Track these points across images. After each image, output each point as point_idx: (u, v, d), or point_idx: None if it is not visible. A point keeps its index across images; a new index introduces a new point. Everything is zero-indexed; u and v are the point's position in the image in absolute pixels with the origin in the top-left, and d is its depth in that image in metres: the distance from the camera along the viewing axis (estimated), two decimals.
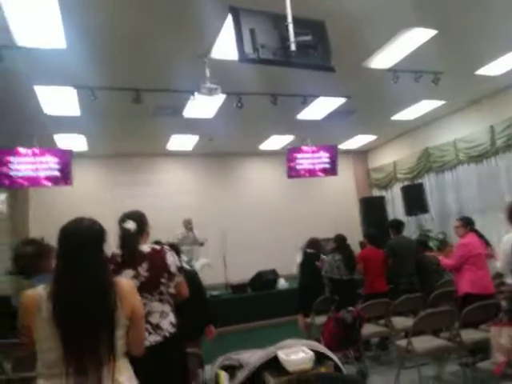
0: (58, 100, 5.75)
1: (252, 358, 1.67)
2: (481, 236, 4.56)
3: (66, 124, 6.69)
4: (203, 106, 6.30)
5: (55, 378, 1.54)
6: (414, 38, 4.79)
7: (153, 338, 2.31)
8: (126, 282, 1.82)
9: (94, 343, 1.57)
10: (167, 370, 2.32)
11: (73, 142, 7.64)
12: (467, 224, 4.44)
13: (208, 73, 4.85)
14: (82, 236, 1.67)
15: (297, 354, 1.51)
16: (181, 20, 4.16)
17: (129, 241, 2.39)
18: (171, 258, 2.48)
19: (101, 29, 4.21)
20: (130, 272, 2.34)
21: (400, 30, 4.62)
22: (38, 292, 1.60)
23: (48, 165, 6.31)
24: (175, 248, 3.50)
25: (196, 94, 5.44)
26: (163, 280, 2.40)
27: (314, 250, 5.21)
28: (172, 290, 2.45)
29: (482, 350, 3.61)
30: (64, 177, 6.43)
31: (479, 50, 5.44)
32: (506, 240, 3.45)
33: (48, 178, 6.34)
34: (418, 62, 5.44)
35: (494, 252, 4.17)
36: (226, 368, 1.84)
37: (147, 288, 2.34)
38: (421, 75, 5.74)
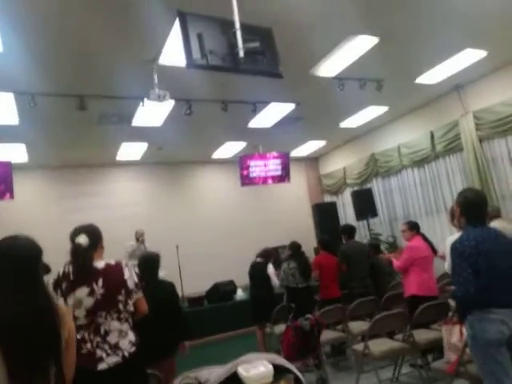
0: None
1: (212, 375, 1.59)
2: (426, 239, 4.73)
3: (3, 133, 6.24)
4: (152, 113, 6.13)
5: None
6: (358, 46, 4.92)
7: (111, 360, 2.18)
8: (62, 304, 1.79)
9: (42, 367, 1.49)
10: None
11: (12, 152, 7.13)
12: (413, 228, 4.61)
13: (156, 79, 4.72)
14: (16, 256, 1.56)
15: (257, 369, 1.45)
16: (128, 24, 4.01)
17: (81, 256, 2.26)
18: (128, 274, 2.36)
19: (41, 31, 3.94)
20: (84, 289, 2.21)
21: (344, 37, 4.73)
22: None
23: None
24: (155, 259, 3.36)
25: (145, 100, 5.29)
26: (120, 297, 2.28)
27: (263, 259, 5.22)
28: (131, 308, 2.33)
29: (435, 349, 3.71)
30: (5, 190, 5.99)
31: (418, 59, 5.69)
32: (450, 241, 3.59)
33: None
34: (363, 70, 5.61)
35: (443, 253, 4.33)
36: None
37: (104, 306, 2.23)
38: (365, 82, 5.93)
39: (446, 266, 3.68)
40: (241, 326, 6.17)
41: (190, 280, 7.75)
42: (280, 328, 4.46)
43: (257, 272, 5.24)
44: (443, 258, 4.38)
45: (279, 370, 1.52)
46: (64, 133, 6.80)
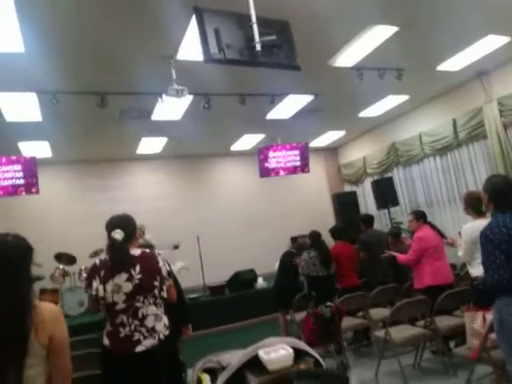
0: (18, 106, 5.53)
1: (233, 358, 1.66)
2: (434, 227, 4.64)
3: (28, 131, 6.44)
4: (171, 107, 6.22)
5: None
6: (376, 36, 4.87)
7: (149, 342, 2.31)
8: (48, 307, 1.65)
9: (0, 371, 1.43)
10: (165, 372, 2.34)
11: (37, 148, 7.36)
12: (419, 217, 4.56)
13: (174, 74, 4.79)
14: (4, 253, 1.56)
15: (277, 352, 1.50)
16: (145, 21, 4.08)
17: (118, 249, 2.37)
18: (162, 262, 2.49)
19: (61, 31, 4.06)
20: (122, 275, 2.33)
21: (362, 28, 4.69)
22: None
23: (13, 174, 6.11)
24: None
25: (164, 95, 5.38)
26: (156, 283, 2.40)
27: (292, 248, 5.28)
28: (164, 294, 2.46)
29: (457, 335, 3.71)
30: (30, 185, 6.22)
31: (439, 47, 5.59)
32: (465, 229, 3.57)
33: (14, 187, 6.13)
34: (381, 59, 5.55)
35: (454, 241, 4.27)
36: (207, 371, 1.81)
37: (141, 291, 2.35)
38: (384, 72, 5.86)
39: (461, 253, 3.64)
40: (262, 313, 6.26)
41: (211, 270, 7.88)
42: (300, 316, 4.52)
43: (285, 260, 5.32)
44: (451, 244, 4.32)
45: (299, 354, 1.58)
46: (85, 129, 6.98)
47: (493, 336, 2.62)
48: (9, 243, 1.59)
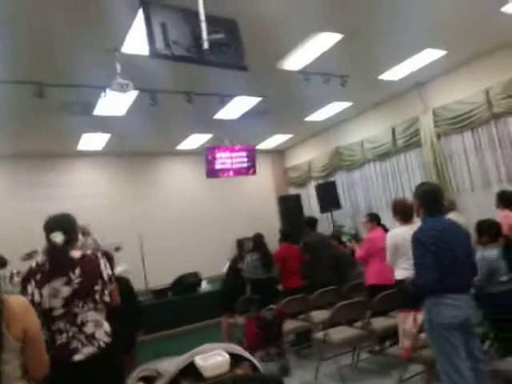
0: None
1: (170, 365, 1.60)
2: (387, 230, 4.87)
3: None
4: (115, 102, 5.98)
5: None
6: (322, 42, 5.00)
7: (87, 350, 2.19)
8: (16, 300, 1.66)
9: None
10: (106, 381, 2.22)
11: None
12: (373, 219, 4.79)
13: (119, 68, 4.60)
14: None
15: (213, 359, 1.47)
16: (89, 10, 3.88)
17: (58, 253, 2.24)
18: (103, 265, 2.38)
19: None
20: (60, 279, 2.20)
21: (308, 33, 4.79)
22: None
23: None
24: (108, 255, 3.33)
25: (107, 90, 5.16)
26: (97, 287, 2.29)
27: (238, 250, 5.27)
28: (107, 298, 2.34)
29: (391, 336, 3.87)
30: None
31: (381, 56, 5.84)
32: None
33: None
34: (327, 65, 5.69)
35: None
36: (143, 379, 1.74)
37: (81, 295, 2.22)
38: (329, 78, 6.02)
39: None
40: (206, 317, 6.17)
41: (155, 272, 7.69)
42: (242, 319, 4.51)
43: (233, 263, 5.32)
44: None
45: (236, 359, 1.56)
46: (22, 121, 6.53)
47: (423, 336, 2.76)
48: None
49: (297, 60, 5.45)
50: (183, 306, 6.45)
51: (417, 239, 2.56)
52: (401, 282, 3.48)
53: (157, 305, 6.44)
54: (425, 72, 6.55)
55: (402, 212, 3.70)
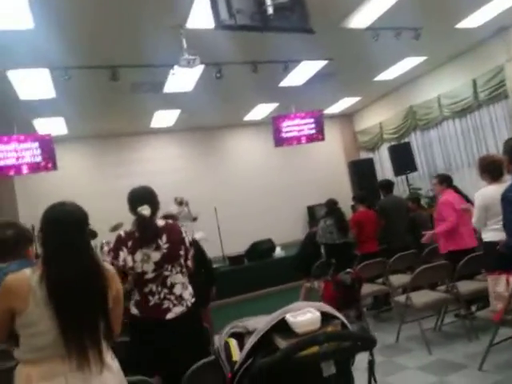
0: (32, 83, 5.53)
1: (260, 323, 1.67)
2: (459, 192, 4.53)
3: (42, 108, 6.47)
4: (182, 79, 6.13)
5: (45, 361, 1.54)
6: None
7: (178, 309, 2.39)
8: (110, 266, 1.84)
9: (92, 322, 1.62)
10: (193, 339, 2.41)
11: (52, 125, 7.40)
12: (442, 181, 4.44)
13: (185, 44, 4.70)
14: (66, 221, 1.67)
15: (304, 316, 1.50)
16: None
17: (147, 224, 2.41)
18: (184, 232, 2.55)
19: (68, 5, 3.99)
20: (151, 245, 2.38)
21: None
22: (27, 275, 1.58)
23: (31, 151, 6.22)
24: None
25: (175, 67, 5.30)
26: (181, 252, 2.47)
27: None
28: (189, 263, 2.53)
29: (479, 299, 3.70)
30: (48, 162, 6.34)
31: (457, 2, 5.33)
32: (477, 195, 3.48)
33: (33, 165, 6.25)
34: (397, 19, 5.32)
35: (467, 207, 4.16)
36: (234, 335, 1.83)
37: (169, 260, 2.41)
38: (400, 32, 5.64)
39: (474, 219, 3.55)
40: (281, 282, 6.35)
41: (230, 240, 7.97)
42: (320, 283, 4.56)
43: (310, 233, 5.39)
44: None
45: (326, 317, 1.58)
46: (99, 104, 6.98)
47: None
48: (70, 211, 1.72)
49: (364, 16, 5.16)
50: (258, 272, 6.68)
51: (506, 198, 2.39)
52: (490, 243, 3.27)
53: (233, 271, 6.74)
54: (508, 16, 5.88)
55: (491, 169, 3.40)
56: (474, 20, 5.92)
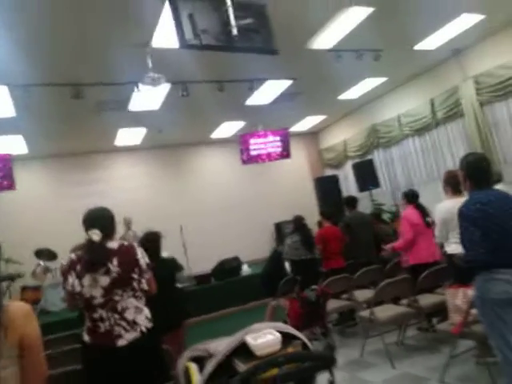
0: None
1: (221, 346, 1.65)
2: (421, 207, 4.61)
3: (1, 126, 6.26)
4: (148, 97, 6.11)
5: None
6: (353, 17, 4.84)
7: (130, 335, 2.28)
8: (20, 306, 1.61)
9: None
10: (149, 364, 2.31)
11: (11, 144, 7.16)
12: (404, 197, 4.66)
13: (150, 63, 4.70)
14: None
15: (264, 337, 1.51)
16: (117, 8, 3.97)
17: (95, 248, 2.32)
18: (140, 254, 2.45)
19: (29, 20, 3.92)
20: (100, 269, 2.29)
21: (338, 9, 4.64)
22: None
23: None
24: (156, 238, 3.58)
25: (140, 85, 5.28)
26: (135, 275, 2.37)
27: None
28: (144, 286, 2.42)
29: (439, 313, 3.80)
30: (6, 181, 6.10)
31: (415, 26, 5.61)
32: (438, 209, 3.62)
33: None
34: (359, 41, 5.54)
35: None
36: (194, 359, 1.81)
37: (119, 284, 2.31)
38: (361, 54, 5.86)
39: (436, 233, 3.70)
40: (248, 300, 6.31)
41: (197, 259, 7.89)
42: (285, 300, 4.56)
43: (275, 251, 5.40)
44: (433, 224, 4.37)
45: (287, 338, 1.59)
46: (61, 122, 6.82)
47: (474, 311, 2.69)
48: None
49: (327, 38, 5.33)
50: (225, 290, 6.61)
51: (461, 213, 2.47)
52: (452, 256, 3.38)
53: (200, 290, 6.62)
54: (462, 38, 6.23)
55: (452, 183, 3.53)
56: (430, 42, 6.24)
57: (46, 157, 8.59)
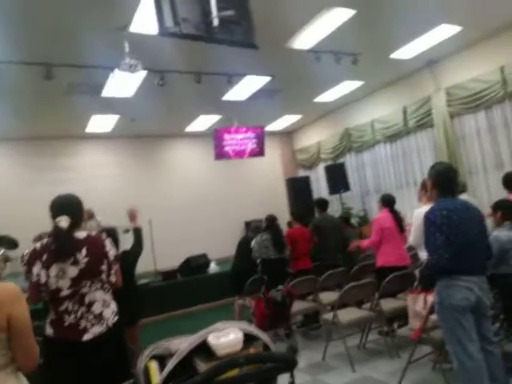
0: None
1: (182, 344, 1.61)
2: (393, 212, 4.73)
3: None
4: (123, 83, 5.93)
5: None
6: (334, 18, 4.87)
7: (97, 329, 2.20)
8: (6, 287, 1.56)
9: None
10: (113, 360, 2.25)
11: None
12: (379, 200, 4.76)
13: (127, 48, 4.55)
14: None
15: (226, 337, 1.47)
16: None
17: (63, 237, 2.21)
18: (109, 246, 2.37)
19: None
20: (68, 260, 2.18)
21: (320, 9, 4.66)
22: None
23: None
24: (112, 233, 3.37)
25: (116, 70, 5.11)
26: (103, 267, 2.29)
27: (253, 233, 5.29)
28: (113, 278, 2.35)
29: (400, 317, 3.87)
30: None
31: (393, 34, 5.69)
32: (417, 214, 3.69)
33: None
34: (338, 43, 5.57)
35: (407, 225, 4.44)
36: (155, 358, 1.75)
37: (88, 275, 2.22)
38: (340, 56, 5.90)
39: (411, 238, 3.78)
40: (215, 298, 6.24)
41: (164, 254, 7.72)
42: (251, 300, 4.54)
43: (242, 244, 5.37)
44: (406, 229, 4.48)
45: (249, 338, 1.56)
46: (31, 103, 6.52)
47: (433, 317, 2.74)
48: None
49: (307, 38, 5.34)
50: (192, 288, 6.50)
51: (427, 219, 2.53)
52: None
53: (165, 286, 6.50)
54: (437, 50, 6.38)
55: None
56: (406, 52, 6.36)
57: (13, 139, 8.20)
